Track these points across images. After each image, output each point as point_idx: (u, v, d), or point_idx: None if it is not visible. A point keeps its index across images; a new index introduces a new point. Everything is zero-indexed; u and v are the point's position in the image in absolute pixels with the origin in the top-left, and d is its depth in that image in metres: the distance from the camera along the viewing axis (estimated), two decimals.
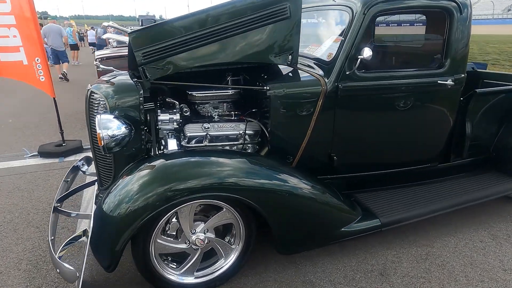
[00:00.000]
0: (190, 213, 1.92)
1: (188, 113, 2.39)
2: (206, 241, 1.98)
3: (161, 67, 2.14)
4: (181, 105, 2.39)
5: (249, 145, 2.47)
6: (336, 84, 2.24)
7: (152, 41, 2.09)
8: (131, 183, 1.84)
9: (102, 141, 1.94)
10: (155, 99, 2.38)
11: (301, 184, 2.14)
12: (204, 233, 1.98)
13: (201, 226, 1.98)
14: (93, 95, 2.21)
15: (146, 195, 1.76)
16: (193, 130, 2.34)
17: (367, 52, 2.12)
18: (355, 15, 2.21)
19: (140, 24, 16.28)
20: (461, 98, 2.63)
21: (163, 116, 2.32)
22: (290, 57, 2.30)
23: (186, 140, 2.33)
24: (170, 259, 2.05)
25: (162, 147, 2.31)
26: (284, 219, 2.07)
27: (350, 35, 2.21)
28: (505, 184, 2.80)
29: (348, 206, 2.32)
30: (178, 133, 2.37)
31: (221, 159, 2.03)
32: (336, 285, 2.12)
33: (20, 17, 3.48)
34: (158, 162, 1.95)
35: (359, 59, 2.16)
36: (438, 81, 2.40)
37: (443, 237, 2.59)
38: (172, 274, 1.99)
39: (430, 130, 2.61)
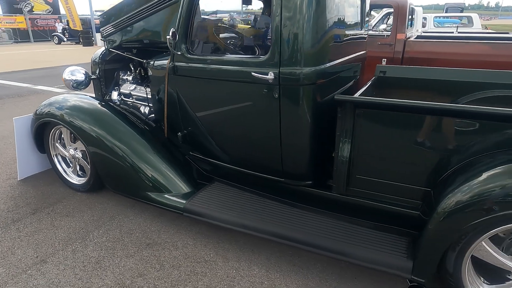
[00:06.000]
0: (66, 134, 2.91)
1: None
2: (75, 157, 2.92)
3: (112, 40, 3.14)
4: (137, 70, 3.27)
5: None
6: (171, 62, 2.40)
7: (107, 21, 3.11)
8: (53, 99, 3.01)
9: (64, 81, 3.25)
10: (127, 64, 3.38)
11: (127, 144, 2.60)
12: (75, 151, 2.92)
13: (73, 146, 2.93)
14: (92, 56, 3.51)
15: (47, 107, 2.90)
16: (124, 88, 3.20)
17: (170, 32, 2.18)
18: None
19: (444, 11, 16.25)
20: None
21: (122, 76, 3.32)
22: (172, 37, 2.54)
23: (122, 94, 3.23)
24: (70, 164, 3.12)
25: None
26: (99, 160, 2.65)
27: (179, 13, 2.27)
28: (393, 258, 1.79)
29: (172, 178, 2.51)
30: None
31: (99, 109, 2.82)
32: (122, 235, 2.47)
33: None
34: (74, 96, 3.01)
35: (167, 39, 2.24)
36: (252, 73, 1.96)
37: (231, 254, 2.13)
38: (66, 173, 3.07)
39: (263, 136, 2.12)
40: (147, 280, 2.04)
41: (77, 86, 3.26)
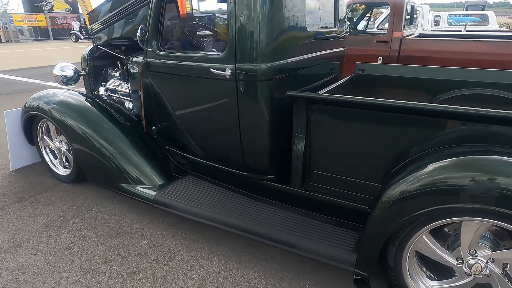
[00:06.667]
0: (52, 127, 3.04)
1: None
2: (61, 149, 3.05)
3: (99, 37, 3.26)
4: (124, 67, 3.38)
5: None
6: (144, 59, 2.48)
7: (93, 20, 3.23)
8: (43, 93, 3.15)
9: (54, 77, 3.38)
10: (115, 60, 3.49)
11: (105, 138, 2.70)
12: (60, 143, 3.05)
13: (59, 138, 3.06)
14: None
15: (35, 101, 3.03)
16: (110, 84, 3.31)
17: (139, 29, 2.26)
18: None
19: (464, 9, 15.92)
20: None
21: (109, 72, 3.44)
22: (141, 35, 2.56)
23: (108, 89, 3.35)
24: (58, 156, 3.25)
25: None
26: (79, 151, 2.76)
27: (149, 10, 2.35)
28: (338, 251, 1.82)
29: (146, 171, 2.61)
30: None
31: (82, 105, 2.94)
32: (96, 224, 2.58)
33: None
34: (63, 91, 3.14)
35: (137, 36, 2.32)
36: (211, 69, 2.02)
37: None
38: (53, 164, 3.22)
39: (226, 130, 2.18)
40: (110, 266, 2.13)
41: (67, 81, 3.40)
